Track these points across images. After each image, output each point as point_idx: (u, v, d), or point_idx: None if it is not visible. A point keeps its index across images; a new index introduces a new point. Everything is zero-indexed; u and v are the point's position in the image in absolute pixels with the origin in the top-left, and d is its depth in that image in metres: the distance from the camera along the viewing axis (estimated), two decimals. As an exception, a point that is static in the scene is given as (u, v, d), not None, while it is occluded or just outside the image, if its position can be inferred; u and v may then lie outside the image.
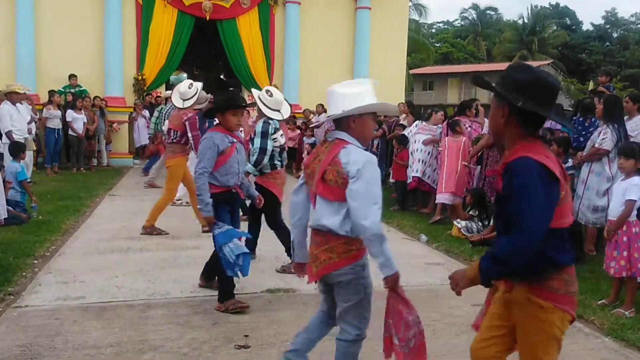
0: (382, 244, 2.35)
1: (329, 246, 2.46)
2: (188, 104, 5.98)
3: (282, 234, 4.90)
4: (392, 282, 2.46)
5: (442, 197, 7.16)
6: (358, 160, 2.35)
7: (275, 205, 4.83)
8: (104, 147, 12.79)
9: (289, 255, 4.62)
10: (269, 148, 4.72)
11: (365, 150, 2.50)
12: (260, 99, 4.77)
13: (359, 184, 2.32)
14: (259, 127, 4.78)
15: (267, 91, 4.87)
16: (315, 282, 2.61)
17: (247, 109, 10.89)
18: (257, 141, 4.69)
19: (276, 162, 4.89)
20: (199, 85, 6.08)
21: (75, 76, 12.67)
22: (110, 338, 3.34)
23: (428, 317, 3.81)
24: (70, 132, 11.43)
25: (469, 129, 7.37)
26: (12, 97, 8.77)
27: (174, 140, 6.14)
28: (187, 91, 6.04)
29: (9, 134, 8.35)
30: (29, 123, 9.32)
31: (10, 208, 6.20)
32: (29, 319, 3.64)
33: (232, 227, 3.72)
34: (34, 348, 3.18)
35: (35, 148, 9.43)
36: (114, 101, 13.09)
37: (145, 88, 13.54)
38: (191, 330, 3.46)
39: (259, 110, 4.83)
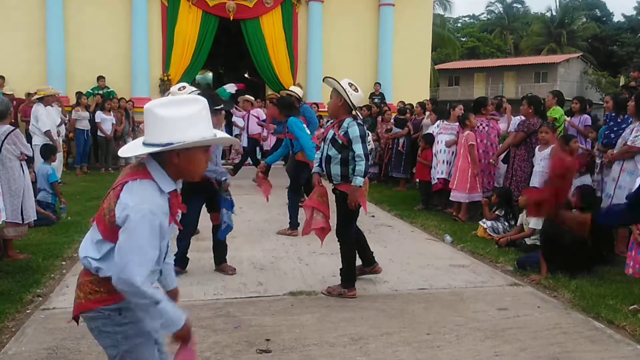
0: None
1: (80, 281, 2.00)
2: None
3: (348, 249, 4.38)
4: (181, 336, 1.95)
5: (455, 195, 7.07)
6: (131, 204, 1.83)
7: (353, 216, 4.33)
8: (131, 148, 12.99)
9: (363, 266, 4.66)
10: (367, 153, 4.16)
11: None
12: (346, 92, 4.22)
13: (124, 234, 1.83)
14: (354, 130, 4.09)
15: (351, 84, 4.31)
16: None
17: (250, 100, 11.20)
18: (358, 147, 4.05)
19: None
20: (190, 88, 6.33)
21: (104, 78, 12.92)
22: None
23: (452, 322, 3.76)
24: (98, 133, 11.68)
25: (486, 128, 7.19)
26: (45, 99, 8.98)
27: None
28: (177, 93, 6.27)
29: (48, 134, 8.54)
30: (59, 125, 9.54)
31: (40, 209, 6.34)
32: (56, 321, 3.70)
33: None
34: (60, 351, 3.24)
35: (61, 150, 9.63)
36: (141, 102, 13.24)
37: (170, 88, 13.70)
38: (213, 333, 3.47)
39: (347, 103, 4.22)
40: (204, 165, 2.01)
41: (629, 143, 5.14)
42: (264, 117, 11.43)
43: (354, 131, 4.09)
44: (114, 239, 1.85)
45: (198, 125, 1.91)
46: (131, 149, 1.98)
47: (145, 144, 1.92)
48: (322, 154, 4.34)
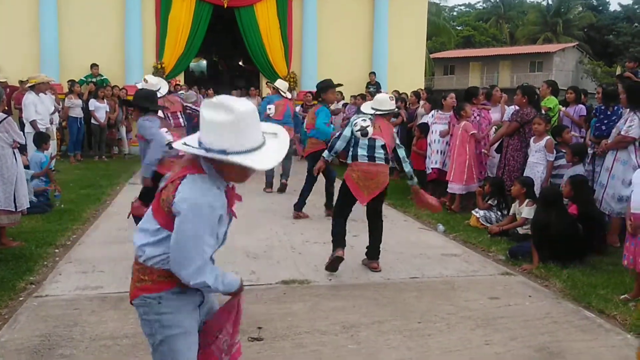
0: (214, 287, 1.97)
1: (134, 268, 2.07)
2: (163, 90, 6.71)
3: None
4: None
5: (452, 187, 7.10)
6: (187, 198, 1.90)
7: None
8: (124, 135, 12.94)
9: None
10: None
11: None
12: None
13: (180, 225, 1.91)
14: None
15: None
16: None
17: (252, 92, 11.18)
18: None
19: None
20: (152, 80, 6.77)
21: (97, 65, 12.83)
22: (127, 329, 3.38)
23: (443, 311, 3.79)
24: (92, 120, 11.62)
25: (477, 117, 7.19)
26: (37, 87, 8.90)
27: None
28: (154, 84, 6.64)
29: (33, 123, 8.49)
30: (52, 113, 9.47)
31: (33, 197, 6.31)
32: (48, 308, 3.71)
33: None
34: (53, 338, 3.25)
35: (55, 138, 9.58)
36: (134, 89, 13.16)
37: (164, 76, 13.62)
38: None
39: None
40: (248, 173, 1.99)
41: (622, 133, 5.16)
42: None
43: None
44: (171, 227, 1.92)
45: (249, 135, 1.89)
46: (188, 146, 1.96)
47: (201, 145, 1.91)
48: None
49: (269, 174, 8.03)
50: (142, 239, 2.02)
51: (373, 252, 4.77)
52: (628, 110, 5.26)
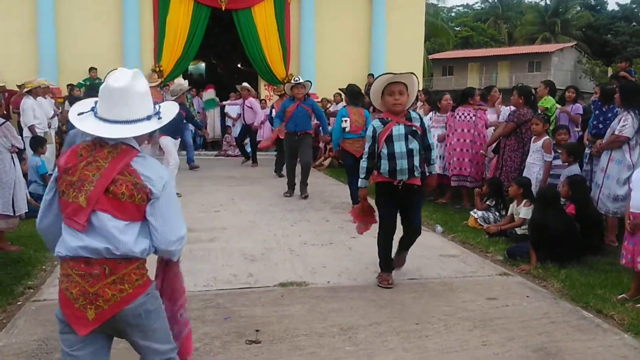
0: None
1: (118, 275, 1.96)
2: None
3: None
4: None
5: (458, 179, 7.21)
6: (162, 175, 2.03)
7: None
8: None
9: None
10: None
11: None
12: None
13: (162, 202, 2.02)
14: (426, 121, 4.95)
15: None
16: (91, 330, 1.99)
17: (247, 88, 11.26)
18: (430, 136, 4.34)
19: None
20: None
21: (95, 69, 12.83)
22: (124, 333, 3.38)
23: (441, 312, 3.79)
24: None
25: (473, 118, 7.21)
26: (34, 91, 8.91)
27: None
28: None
29: (31, 128, 8.50)
30: (51, 117, 9.48)
31: (32, 201, 6.31)
32: (46, 312, 3.70)
33: None
34: (50, 342, 3.24)
35: (53, 142, 9.58)
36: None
37: (163, 79, 13.64)
38: (203, 324, 3.49)
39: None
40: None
41: (616, 133, 5.18)
42: (258, 108, 11.40)
43: (425, 122, 4.42)
44: (141, 217, 2.00)
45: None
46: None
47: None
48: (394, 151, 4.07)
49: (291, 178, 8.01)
50: (119, 242, 1.96)
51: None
52: (622, 109, 5.28)
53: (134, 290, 1.99)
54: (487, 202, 6.41)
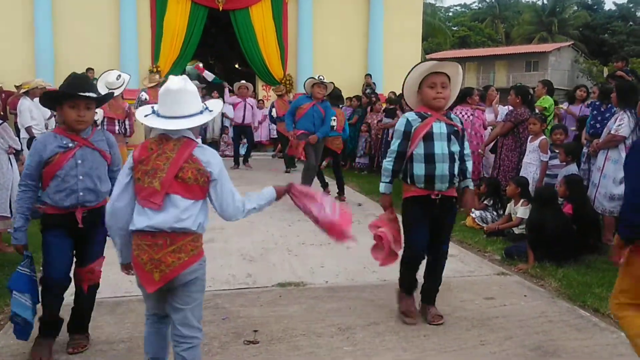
0: (259, 208, 2.66)
1: (177, 246, 2.37)
2: (117, 92, 6.12)
3: None
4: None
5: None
6: (218, 161, 2.50)
7: None
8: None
9: None
10: None
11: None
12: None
13: (221, 182, 2.49)
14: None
15: None
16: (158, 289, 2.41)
17: (246, 86, 11.18)
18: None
19: None
20: (126, 77, 6.34)
21: (92, 69, 12.79)
22: (123, 333, 3.39)
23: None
24: (89, 125, 11.64)
25: (470, 117, 7.22)
26: (32, 92, 8.89)
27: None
28: (114, 82, 6.26)
29: (28, 129, 8.48)
30: (48, 118, 9.45)
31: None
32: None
33: (27, 273, 3.04)
34: (48, 344, 3.24)
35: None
36: (130, 93, 13.14)
37: (162, 79, 13.64)
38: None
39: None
40: None
41: (612, 132, 5.20)
42: (256, 107, 11.38)
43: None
44: (203, 196, 2.45)
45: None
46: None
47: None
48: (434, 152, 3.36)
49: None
50: (178, 218, 2.37)
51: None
52: (618, 109, 5.30)
53: (189, 259, 2.39)
54: (485, 202, 6.42)
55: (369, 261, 4.92)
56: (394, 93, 11.91)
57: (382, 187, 3.60)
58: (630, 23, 46.63)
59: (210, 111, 2.51)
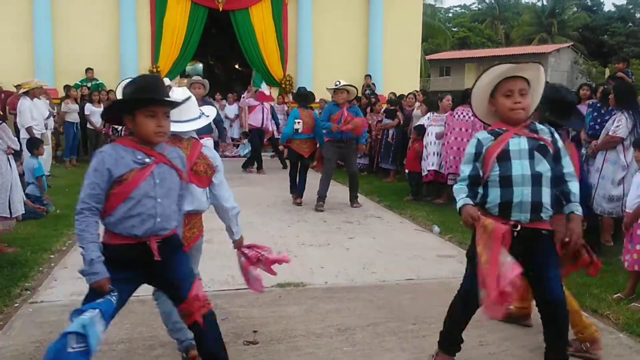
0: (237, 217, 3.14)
1: (192, 223, 2.95)
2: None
3: None
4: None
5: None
6: (217, 156, 3.02)
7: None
8: (120, 140, 12.94)
9: None
10: None
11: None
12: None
13: (221, 175, 3.01)
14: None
15: None
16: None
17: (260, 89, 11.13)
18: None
19: None
20: (166, 81, 6.35)
21: (92, 70, 12.84)
22: (122, 334, 3.39)
23: (438, 312, 3.77)
24: (88, 125, 11.62)
25: (472, 117, 7.22)
26: (32, 92, 8.90)
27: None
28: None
29: (29, 129, 8.49)
30: (47, 118, 9.47)
31: (29, 202, 6.31)
32: (44, 314, 3.71)
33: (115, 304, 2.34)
34: (48, 344, 3.21)
35: (50, 143, 9.56)
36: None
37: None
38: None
39: None
40: None
41: (610, 133, 5.20)
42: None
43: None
44: (208, 185, 2.98)
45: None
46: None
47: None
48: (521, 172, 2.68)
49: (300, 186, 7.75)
50: (204, 200, 2.98)
51: None
52: (616, 110, 5.32)
53: (200, 232, 3.05)
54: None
55: (368, 262, 4.96)
56: (393, 94, 11.93)
57: (462, 201, 2.75)
58: (630, 24, 46.66)
59: (207, 116, 3.03)
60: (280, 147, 10.41)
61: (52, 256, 5.10)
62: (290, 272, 4.62)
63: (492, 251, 2.57)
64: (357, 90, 7.87)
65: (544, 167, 2.68)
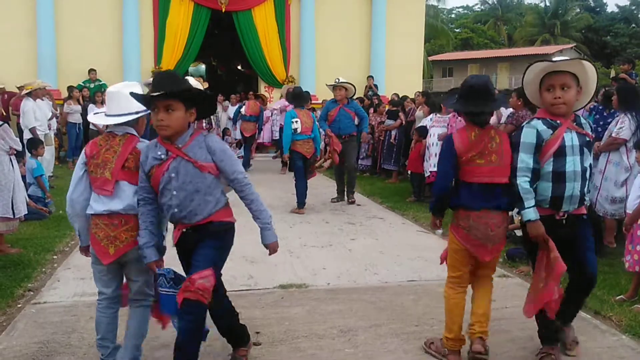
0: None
1: (130, 225, 2.74)
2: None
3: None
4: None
5: None
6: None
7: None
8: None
9: None
10: None
11: None
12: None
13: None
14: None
15: None
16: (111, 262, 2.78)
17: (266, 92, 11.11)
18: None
19: None
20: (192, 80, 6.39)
21: (95, 70, 12.84)
22: (120, 333, 3.38)
23: (440, 313, 3.76)
24: (90, 126, 11.63)
25: None
26: (35, 93, 8.92)
27: None
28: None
29: (33, 130, 8.51)
30: (50, 119, 9.49)
31: (32, 203, 6.32)
32: (46, 315, 3.72)
33: (171, 293, 2.75)
34: (51, 345, 3.26)
35: (53, 144, 9.57)
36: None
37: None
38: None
39: None
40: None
41: (613, 135, 5.19)
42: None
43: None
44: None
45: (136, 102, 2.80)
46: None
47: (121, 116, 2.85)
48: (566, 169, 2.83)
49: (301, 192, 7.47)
50: (130, 201, 2.78)
51: None
52: (620, 111, 5.30)
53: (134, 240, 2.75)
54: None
55: (371, 263, 4.96)
56: (396, 95, 11.91)
57: (529, 214, 2.84)
58: (633, 25, 46.58)
59: (145, 111, 2.82)
60: (285, 158, 9.51)
61: (55, 257, 5.11)
62: (292, 274, 4.64)
63: (549, 279, 2.94)
64: (355, 88, 7.85)
65: (588, 162, 2.91)
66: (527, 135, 2.87)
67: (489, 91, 3.01)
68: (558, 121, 2.86)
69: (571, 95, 2.83)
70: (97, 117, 2.97)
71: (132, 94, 2.66)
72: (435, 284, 4.47)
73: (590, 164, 2.95)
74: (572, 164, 2.82)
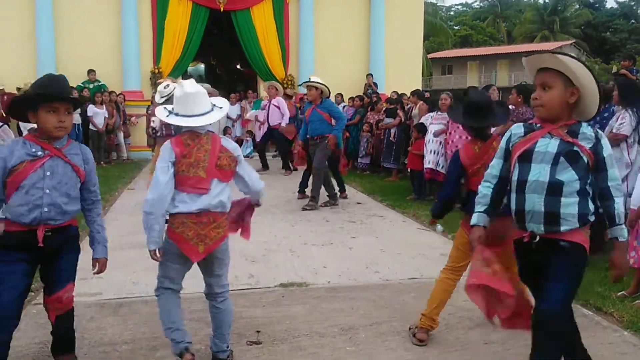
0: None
1: (218, 223, 2.81)
2: (161, 101, 6.26)
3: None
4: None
5: None
6: (237, 146, 3.01)
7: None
8: (122, 141, 12.98)
9: None
10: None
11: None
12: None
13: (244, 162, 3.00)
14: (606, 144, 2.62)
15: None
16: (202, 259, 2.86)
17: (275, 86, 10.94)
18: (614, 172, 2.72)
19: None
20: (172, 86, 6.47)
21: (94, 71, 12.85)
22: (125, 335, 3.39)
23: (443, 311, 3.78)
24: (90, 126, 11.64)
25: None
26: (32, 94, 8.90)
27: (165, 134, 6.47)
28: (163, 91, 6.43)
29: (31, 132, 8.49)
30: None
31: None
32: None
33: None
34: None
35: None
36: (132, 95, 13.25)
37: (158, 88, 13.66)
38: (206, 326, 3.49)
39: None
40: None
41: (614, 131, 5.18)
42: (286, 108, 10.71)
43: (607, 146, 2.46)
44: (231, 179, 2.91)
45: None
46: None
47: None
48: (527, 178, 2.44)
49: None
50: (226, 197, 2.85)
51: None
52: (620, 107, 5.29)
53: (225, 231, 2.88)
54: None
55: (371, 261, 4.96)
56: (395, 92, 11.91)
57: (473, 217, 2.67)
58: (632, 21, 46.54)
59: (220, 107, 2.90)
60: (298, 148, 8.84)
61: (55, 257, 5.09)
62: (293, 272, 4.63)
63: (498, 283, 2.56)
64: (329, 89, 7.48)
65: (568, 175, 2.38)
66: (503, 140, 2.61)
67: (488, 107, 3.32)
68: (539, 125, 2.48)
69: (553, 96, 2.39)
70: (184, 120, 2.81)
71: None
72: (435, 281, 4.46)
73: (573, 182, 2.37)
74: (538, 173, 2.40)
